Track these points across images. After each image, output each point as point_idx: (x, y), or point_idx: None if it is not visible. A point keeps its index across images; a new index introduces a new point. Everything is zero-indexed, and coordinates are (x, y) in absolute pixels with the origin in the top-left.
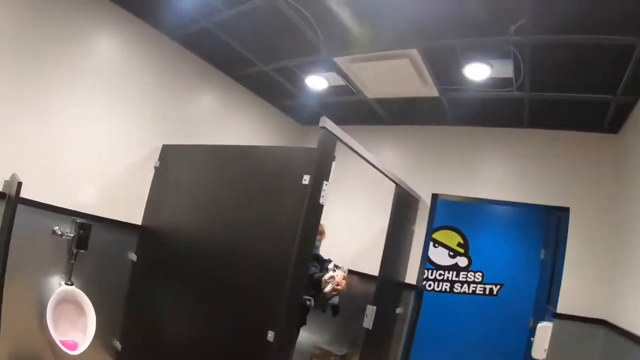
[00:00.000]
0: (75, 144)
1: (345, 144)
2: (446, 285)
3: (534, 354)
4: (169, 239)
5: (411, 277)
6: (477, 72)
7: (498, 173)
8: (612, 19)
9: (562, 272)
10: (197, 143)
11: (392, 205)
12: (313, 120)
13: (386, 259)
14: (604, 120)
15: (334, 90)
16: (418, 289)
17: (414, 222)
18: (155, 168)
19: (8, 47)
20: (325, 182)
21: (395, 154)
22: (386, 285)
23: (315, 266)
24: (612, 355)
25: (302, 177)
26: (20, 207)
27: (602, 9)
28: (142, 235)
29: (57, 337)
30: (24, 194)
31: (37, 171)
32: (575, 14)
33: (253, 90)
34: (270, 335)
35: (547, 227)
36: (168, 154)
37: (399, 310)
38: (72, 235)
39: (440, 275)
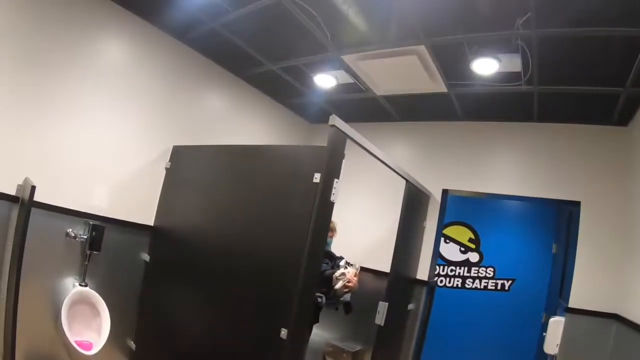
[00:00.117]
0: (86, 147)
1: (355, 142)
2: (458, 281)
3: (546, 349)
4: (181, 239)
5: (423, 273)
6: (485, 66)
7: (508, 167)
8: (620, 11)
9: (573, 267)
10: (207, 143)
11: (403, 201)
12: (322, 118)
13: (397, 255)
14: (613, 112)
15: (342, 88)
16: (430, 285)
17: (424, 218)
18: (167, 169)
19: (19, 53)
20: (335, 180)
21: (404, 150)
22: (398, 282)
23: (327, 263)
24: (624, 350)
25: (313, 175)
26: (33, 210)
27: (609, 1)
28: (155, 235)
29: (72, 337)
30: (37, 197)
31: (50, 174)
32: (582, 7)
33: (262, 90)
34: (284, 333)
35: (558, 221)
36: (178, 154)
37: (411, 306)
38: (85, 237)
39: (451, 271)
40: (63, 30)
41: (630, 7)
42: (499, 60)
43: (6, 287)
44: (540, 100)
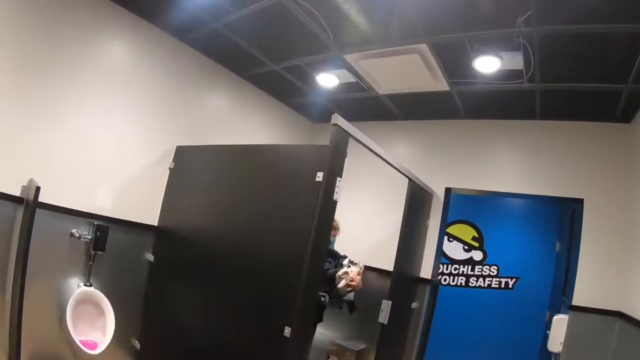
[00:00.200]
0: (90, 147)
1: (357, 140)
2: (461, 279)
3: (549, 347)
4: (185, 239)
5: (426, 272)
6: (487, 64)
7: (511, 165)
8: (621, 8)
9: (577, 264)
10: (210, 143)
11: (406, 200)
12: (325, 117)
13: (401, 254)
14: (616, 109)
15: (344, 87)
16: (433, 284)
17: (428, 216)
18: (170, 169)
19: (22, 55)
20: (338, 179)
21: (407, 149)
22: (401, 280)
23: (330, 262)
24: (628, 347)
25: (316, 174)
26: (38, 211)
27: None
28: (159, 235)
29: (76, 337)
30: (42, 198)
31: (54, 175)
32: (582, 3)
33: (264, 90)
34: (287, 331)
35: (561, 219)
36: (182, 154)
37: (414, 305)
38: (89, 237)
39: (455, 269)
40: (65, 32)
41: (632, 3)
42: (501, 58)
43: (11, 287)
44: (543, 98)
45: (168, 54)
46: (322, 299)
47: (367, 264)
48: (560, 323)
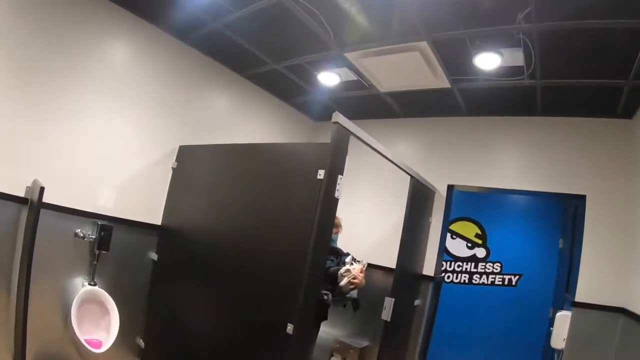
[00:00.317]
0: (94, 148)
1: (358, 138)
2: (465, 276)
3: (553, 344)
4: (188, 238)
5: (429, 269)
6: (488, 61)
7: (513, 162)
8: (621, 3)
9: (580, 261)
10: (212, 143)
11: (408, 197)
12: (326, 116)
13: (403, 251)
14: (617, 105)
15: (346, 85)
16: (436, 281)
17: (430, 213)
18: (173, 169)
19: (23, 56)
20: (339, 176)
21: (409, 146)
22: (404, 278)
23: (332, 260)
24: (631, 343)
25: (317, 172)
26: (42, 211)
27: None
28: (162, 234)
29: (81, 336)
30: (46, 198)
31: (58, 176)
32: None
33: (265, 89)
34: (290, 328)
35: (564, 216)
36: (185, 154)
37: (417, 302)
38: (93, 237)
39: (458, 266)
40: (67, 33)
41: None
42: (501, 54)
43: (17, 287)
44: (544, 94)
45: (169, 54)
46: (325, 297)
47: (370, 262)
48: (563, 319)
